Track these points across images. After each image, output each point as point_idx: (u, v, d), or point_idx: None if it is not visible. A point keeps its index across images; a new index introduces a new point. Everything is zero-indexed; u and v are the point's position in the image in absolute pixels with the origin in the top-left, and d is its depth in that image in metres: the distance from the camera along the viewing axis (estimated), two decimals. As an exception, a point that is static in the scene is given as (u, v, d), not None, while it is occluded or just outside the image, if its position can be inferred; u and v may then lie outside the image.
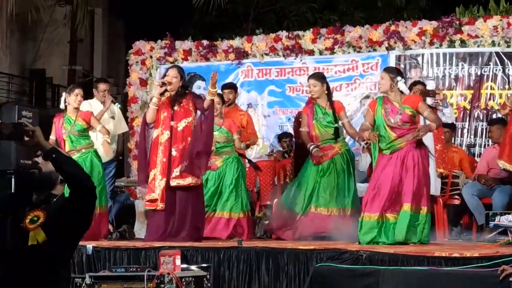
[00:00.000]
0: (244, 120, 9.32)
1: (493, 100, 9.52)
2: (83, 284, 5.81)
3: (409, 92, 7.70)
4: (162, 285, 5.64)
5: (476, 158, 9.32)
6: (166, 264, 5.90)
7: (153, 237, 7.38)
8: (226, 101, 8.86)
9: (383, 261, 5.76)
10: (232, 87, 9.52)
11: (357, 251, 5.94)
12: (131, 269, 5.89)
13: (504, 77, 9.47)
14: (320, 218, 7.71)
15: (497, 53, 9.47)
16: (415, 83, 8.62)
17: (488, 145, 9.22)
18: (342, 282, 5.73)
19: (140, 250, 6.67)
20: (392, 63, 9.79)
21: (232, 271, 6.33)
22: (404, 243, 6.64)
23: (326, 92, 7.98)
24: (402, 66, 9.81)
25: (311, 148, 7.87)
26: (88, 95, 8.97)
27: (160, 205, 7.39)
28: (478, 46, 9.54)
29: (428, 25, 9.74)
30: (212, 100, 7.44)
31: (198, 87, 8.48)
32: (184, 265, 6.13)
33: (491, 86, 9.56)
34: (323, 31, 10.33)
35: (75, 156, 7.61)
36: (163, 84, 7.47)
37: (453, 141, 9.29)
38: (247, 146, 9.06)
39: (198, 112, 7.60)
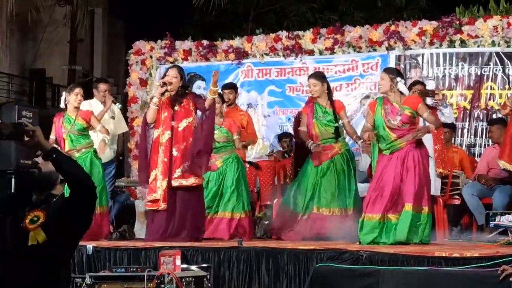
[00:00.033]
0: (244, 120, 9.33)
1: (493, 100, 9.52)
2: (83, 284, 5.81)
3: (409, 92, 7.69)
4: (162, 285, 5.64)
5: (476, 158, 9.32)
6: (166, 264, 5.90)
7: (153, 237, 7.37)
8: (226, 101, 8.85)
9: (383, 261, 5.75)
10: (232, 87, 9.52)
11: (357, 251, 5.94)
12: (131, 269, 5.89)
13: (504, 77, 9.46)
14: (323, 219, 7.70)
15: (497, 53, 9.47)
16: (415, 83, 8.62)
17: (488, 145, 9.22)
18: (342, 282, 5.73)
19: (140, 250, 6.67)
20: (392, 63, 9.79)
21: (232, 271, 6.33)
22: (405, 243, 6.64)
23: (326, 91, 7.98)
24: (402, 66, 9.81)
25: (309, 144, 7.86)
26: (88, 95, 8.96)
27: (162, 205, 7.39)
28: (478, 46, 9.54)
29: (428, 25, 9.74)
30: (214, 99, 7.44)
31: (198, 87, 8.48)
32: (184, 265, 6.13)
33: (491, 86, 9.56)
34: (323, 31, 10.33)
35: (74, 156, 7.62)
36: (164, 84, 7.47)
37: (453, 141, 9.29)
38: (244, 147, 9.05)
39: (198, 112, 7.60)
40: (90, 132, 8.09)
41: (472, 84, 9.66)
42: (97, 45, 21.15)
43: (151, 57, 11.19)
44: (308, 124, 7.98)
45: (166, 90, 7.48)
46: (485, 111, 9.57)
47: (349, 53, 10.18)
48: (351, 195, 7.83)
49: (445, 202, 8.36)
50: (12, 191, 7.99)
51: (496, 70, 9.50)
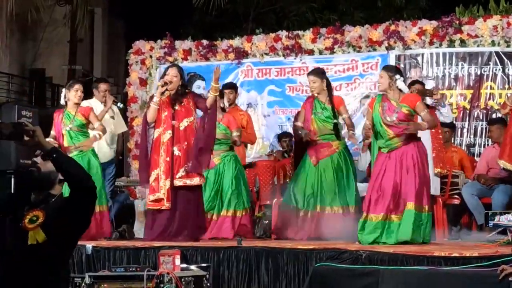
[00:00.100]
0: (244, 120, 9.33)
1: (493, 100, 9.52)
2: (83, 284, 5.81)
3: (408, 90, 7.69)
4: (162, 285, 5.64)
5: (475, 157, 9.32)
6: (165, 263, 5.89)
7: (154, 236, 7.38)
8: (227, 101, 8.85)
9: (382, 261, 5.75)
10: (232, 87, 9.52)
11: (357, 251, 5.94)
12: (130, 269, 5.88)
13: (504, 76, 9.47)
14: (327, 218, 7.69)
15: (497, 53, 9.47)
16: (413, 82, 8.61)
17: (488, 144, 9.22)
18: (341, 282, 5.73)
19: (139, 249, 6.67)
20: (392, 63, 9.78)
21: (231, 271, 6.33)
22: (410, 243, 6.62)
23: (326, 88, 7.98)
24: (402, 65, 9.81)
25: (302, 133, 7.86)
26: (87, 95, 8.96)
27: (166, 204, 7.39)
28: (478, 46, 9.55)
29: (428, 25, 9.74)
30: (215, 97, 7.44)
31: (198, 87, 8.48)
32: (184, 265, 6.12)
33: (490, 86, 9.56)
34: (323, 31, 10.33)
35: (72, 154, 7.60)
36: (165, 83, 7.47)
37: (453, 141, 9.29)
38: (243, 144, 9.06)
39: (198, 112, 7.60)
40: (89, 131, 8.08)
41: (471, 84, 9.67)
42: (97, 45, 21.15)
43: (151, 57, 11.19)
44: (306, 120, 7.99)
45: (166, 90, 7.48)
46: (484, 111, 9.57)
47: (349, 52, 10.19)
48: (352, 192, 7.83)
49: (445, 202, 8.36)
50: (12, 191, 7.99)
51: (496, 69, 9.50)
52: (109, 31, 21.42)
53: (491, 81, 9.54)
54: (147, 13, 18.25)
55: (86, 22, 17.36)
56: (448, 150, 8.78)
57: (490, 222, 6.86)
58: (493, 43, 9.43)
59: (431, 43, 9.73)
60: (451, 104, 9.45)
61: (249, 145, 9.84)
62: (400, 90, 6.95)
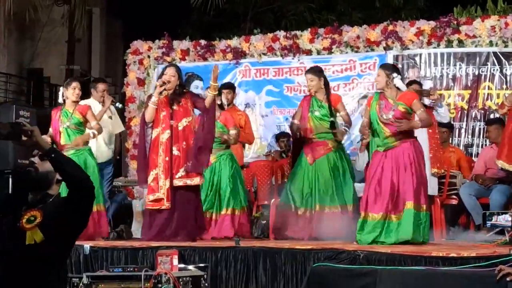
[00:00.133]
0: (242, 120, 9.33)
1: (491, 100, 9.52)
2: (81, 284, 5.81)
3: (406, 88, 7.68)
4: (160, 285, 5.64)
5: (473, 158, 9.32)
6: (163, 264, 5.89)
7: (152, 236, 7.37)
8: (225, 101, 8.84)
9: (380, 261, 5.75)
10: (230, 87, 9.52)
11: (355, 251, 5.94)
12: (128, 269, 5.89)
13: (502, 77, 9.47)
14: (326, 217, 7.69)
15: (495, 53, 9.48)
16: (411, 82, 8.62)
17: (486, 145, 9.23)
18: (339, 282, 5.73)
19: (137, 250, 6.67)
20: (390, 63, 9.78)
21: (229, 271, 6.33)
22: (410, 242, 6.62)
23: (323, 86, 7.98)
24: (400, 66, 9.77)
25: (294, 127, 7.87)
26: (85, 95, 8.96)
27: (166, 204, 7.39)
28: (475, 46, 9.55)
29: (426, 25, 9.74)
30: (214, 96, 7.44)
31: (196, 87, 8.47)
32: (182, 265, 6.12)
33: (488, 86, 9.56)
34: (321, 31, 10.33)
35: (69, 153, 7.59)
36: (164, 83, 7.47)
37: (450, 141, 9.30)
38: (240, 143, 9.07)
39: (196, 111, 7.60)
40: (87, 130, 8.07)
41: (469, 84, 9.67)
42: (95, 44, 21.11)
43: (148, 56, 11.19)
44: (303, 118, 7.99)
45: (164, 89, 7.48)
46: (482, 111, 9.57)
47: (347, 53, 10.19)
48: (349, 191, 7.83)
49: (443, 202, 8.37)
50: (10, 191, 7.98)
51: (493, 70, 9.51)
52: (107, 31, 21.39)
53: (489, 81, 9.55)
54: (145, 13, 18.24)
55: (84, 22, 17.33)
56: (446, 150, 8.78)
57: (488, 222, 6.87)
58: (491, 44, 9.43)
59: (429, 43, 9.73)
60: (449, 104, 9.46)
61: (247, 145, 9.84)
62: (398, 88, 6.96)
